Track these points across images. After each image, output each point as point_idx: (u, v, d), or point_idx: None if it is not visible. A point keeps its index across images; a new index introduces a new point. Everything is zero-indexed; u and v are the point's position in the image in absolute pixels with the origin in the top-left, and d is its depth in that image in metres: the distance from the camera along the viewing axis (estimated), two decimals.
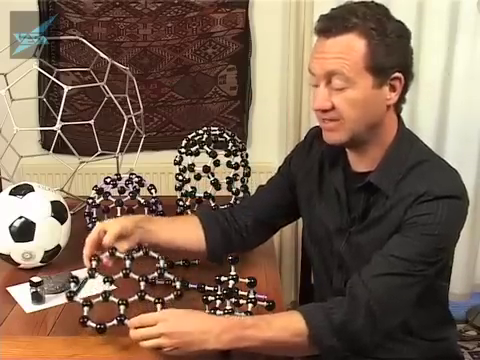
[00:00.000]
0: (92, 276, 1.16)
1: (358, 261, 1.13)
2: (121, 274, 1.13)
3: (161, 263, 1.17)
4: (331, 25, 1.08)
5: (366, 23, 1.06)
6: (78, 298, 1.12)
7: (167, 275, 1.16)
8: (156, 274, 1.17)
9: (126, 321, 1.06)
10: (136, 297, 1.10)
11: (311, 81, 1.14)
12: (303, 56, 2.21)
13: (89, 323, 1.08)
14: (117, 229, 1.20)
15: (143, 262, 1.26)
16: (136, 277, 1.13)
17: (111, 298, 1.10)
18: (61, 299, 1.26)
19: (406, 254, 1.06)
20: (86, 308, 1.09)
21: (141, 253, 1.19)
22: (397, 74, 1.10)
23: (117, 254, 1.17)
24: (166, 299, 1.10)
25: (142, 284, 1.11)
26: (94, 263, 1.16)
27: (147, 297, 1.10)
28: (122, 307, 1.08)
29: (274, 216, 1.37)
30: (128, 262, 1.14)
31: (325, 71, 1.09)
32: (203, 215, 1.37)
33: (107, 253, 1.18)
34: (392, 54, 1.08)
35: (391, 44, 1.08)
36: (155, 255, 1.19)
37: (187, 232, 1.33)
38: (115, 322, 1.07)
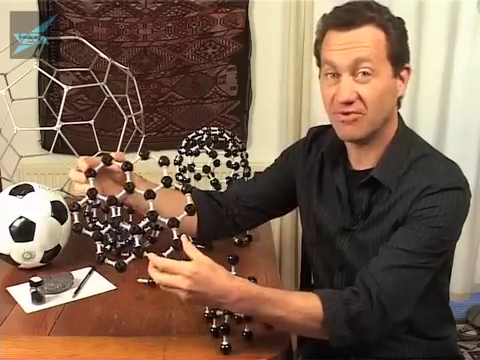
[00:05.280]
0: (93, 198, 1.02)
1: (362, 259, 1.14)
2: (123, 192, 1.03)
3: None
4: (353, 17, 1.10)
5: (382, 15, 1.11)
6: (85, 230, 1.02)
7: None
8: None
9: (146, 254, 1.00)
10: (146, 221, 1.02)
11: (327, 70, 1.13)
12: (303, 56, 2.21)
13: (107, 261, 1.01)
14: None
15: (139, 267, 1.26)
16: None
17: (121, 225, 1.03)
18: (61, 299, 1.26)
19: (412, 247, 1.07)
20: (99, 247, 1.01)
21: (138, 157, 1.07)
22: (407, 64, 1.15)
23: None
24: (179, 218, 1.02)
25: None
26: (91, 180, 1.04)
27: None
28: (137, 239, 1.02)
29: (268, 206, 1.37)
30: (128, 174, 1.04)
31: (352, 60, 1.09)
32: (197, 195, 1.31)
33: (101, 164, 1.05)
34: (403, 45, 1.14)
35: (401, 35, 1.13)
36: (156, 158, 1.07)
37: (180, 207, 1.19)
38: (133, 257, 1.01)
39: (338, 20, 1.11)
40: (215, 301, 1.01)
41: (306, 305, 1.05)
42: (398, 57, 1.12)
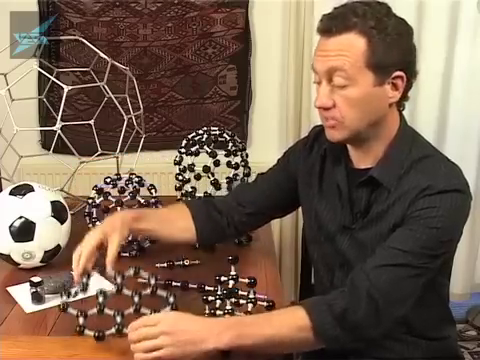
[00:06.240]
0: (85, 289, 1.16)
1: (361, 258, 1.13)
2: (113, 289, 1.13)
3: (152, 281, 1.15)
4: (332, 24, 1.09)
5: (366, 22, 1.07)
6: (72, 309, 1.11)
7: (160, 292, 1.14)
8: (149, 291, 1.14)
9: (125, 330, 1.05)
10: (131, 310, 1.09)
11: (315, 79, 1.15)
12: (303, 56, 2.21)
13: (86, 331, 1.06)
14: (119, 241, 1.20)
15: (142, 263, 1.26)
16: (129, 293, 1.12)
17: (106, 310, 1.09)
18: (61, 299, 1.26)
19: (409, 247, 1.07)
20: (81, 319, 1.08)
21: (131, 272, 1.17)
22: (399, 72, 1.10)
23: (108, 272, 1.18)
24: (162, 311, 1.10)
25: (136, 298, 1.10)
26: (85, 279, 1.17)
27: (143, 310, 1.09)
28: (118, 318, 1.07)
29: (269, 208, 1.38)
30: (119, 280, 1.14)
31: (327, 68, 1.09)
32: (196, 208, 1.36)
33: (97, 270, 1.20)
34: (393, 52, 1.09)
35: (392, 42, 1.08)
36: (145, 275, 1.17)
37: (178, 231, 1.34)
38: (113, 331, 1.06)
39: (322, 27, 1.11)
40: (200, 337, 1.00)
41: (292, 317, 1.06)
42: (382, 65, 1.08)
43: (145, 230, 1.30)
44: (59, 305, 1.13)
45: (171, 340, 0.99)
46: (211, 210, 1.37)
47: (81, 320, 1.08)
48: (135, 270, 1.15)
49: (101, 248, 1.19)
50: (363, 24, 1.07)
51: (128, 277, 1.13)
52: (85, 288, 1.16)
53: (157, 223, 1.31)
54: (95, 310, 1.09)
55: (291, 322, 1.05)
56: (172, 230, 1.33)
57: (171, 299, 1.12)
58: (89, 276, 1.17)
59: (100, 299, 1.10)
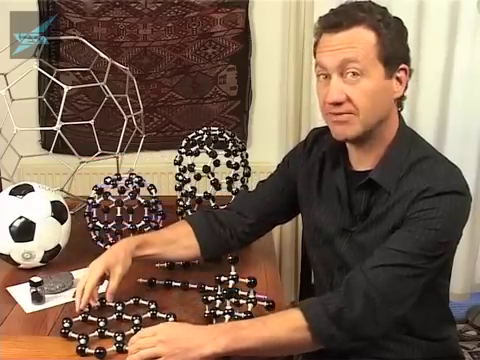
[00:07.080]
0: (86, 319, 1.16)
1: (360, 261, 1.13)
2: (114, 316, 1.16)
3: (152, 306, 1.18)
4: (340, 19, 1.10)
5: (373, 16, 1.10)
6: (72, 333, 1.11)
7: (159, 314, 1.17)
8: (149, 315, 1.17)
9: (125, 347, 1.06)
10: (132, 331, 1.10)
11: (319, 72, 1.14)
12: (303, 56, 2.21)
13: (87, 350, 1.06)
14: (121, 274, 1.19)
15: (139, 267, 1.26)
16: (129, 317, 1.15)
17: (107, 333, 1.11)
18: (61, 299, 1.26)
19: (408, 248, 1.07)
20: (83, 340, 1.08)
21: (132, 302, 1.21)
22: (403, 65, 1.13)
23: (108, 304, 1.20)
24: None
25: (136, 321, 1.14)
26: (86, 308, 1.17)
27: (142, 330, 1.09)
28: (119, 338, 1.08)
29: (270, 215, 1.38)
30: (119, 308, 1.18)
31: (339, 61, 1.09)
32: (197, 225, 1.35)
33: (98, 303, 1.20)
34: (398, 45, 1.12)
35: (396, 36, 1.11)
36: (145, 302, 1.20)
37: (182, 250, 1.33)
38: (114, 348, 1.06)
39: (328, 23, 1.12)
40: (197, 343, 1.00)
41: (288, 318, 1.06)
42: (391, 58, 1.10)
43: (150, 255, 1.28)
44: (60, 330, 1.12)
45: (169, 348, 0.99)
46: (213, 223, 1.36)
47: (82, 341, 1.08)
48: (134, 300, 1.22)
49: (104, 279, 1.19)
50: (371, 18, 1.09)
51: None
52: (85, 318, 1.16)
53: (161, 246, 1.30)
54: (96, 333, 1.11)
55: (287, 323, 1.05)
56: (176, 250, 1.32)
57: (171, 319, 1.15)
58: (90, 308, 1.18)
59: (101, 323, 1.13)
